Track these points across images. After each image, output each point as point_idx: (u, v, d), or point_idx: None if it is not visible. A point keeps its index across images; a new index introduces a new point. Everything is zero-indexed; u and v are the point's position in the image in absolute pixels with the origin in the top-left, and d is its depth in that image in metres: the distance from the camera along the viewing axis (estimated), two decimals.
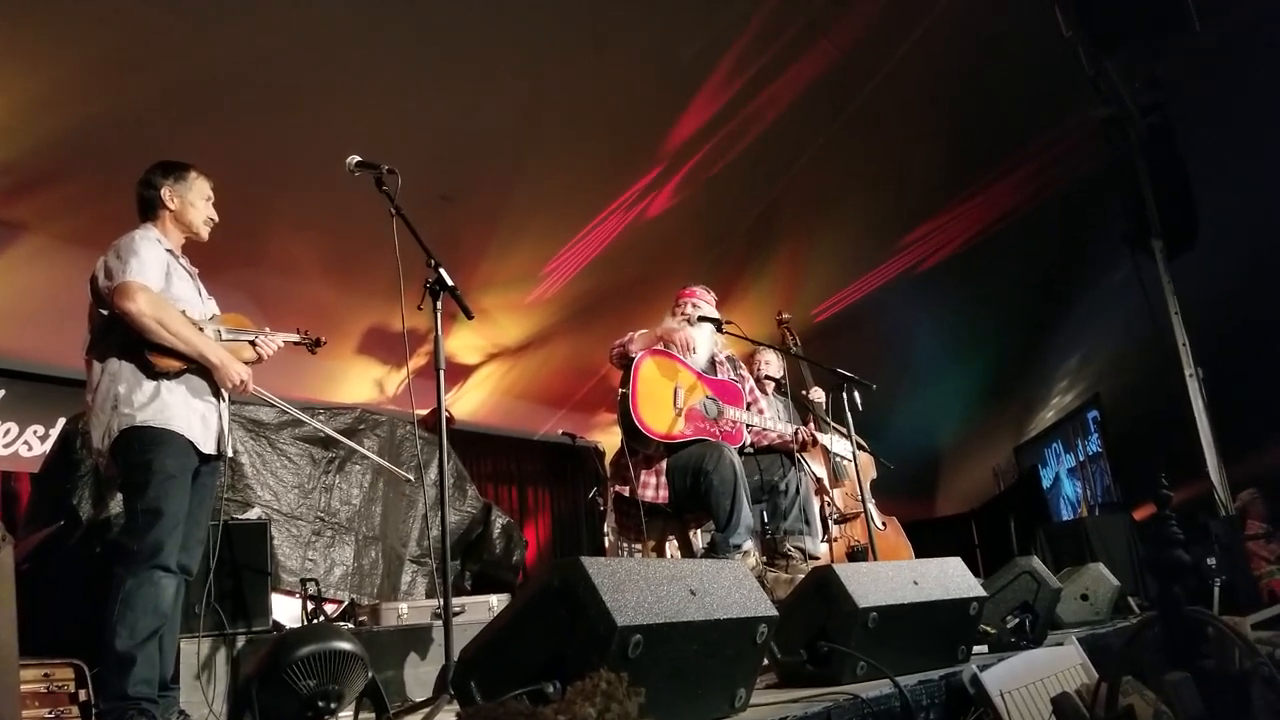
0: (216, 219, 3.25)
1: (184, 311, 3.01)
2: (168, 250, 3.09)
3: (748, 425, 4.33)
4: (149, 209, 3.15)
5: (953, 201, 8.96)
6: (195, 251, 3.29)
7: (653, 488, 4.05)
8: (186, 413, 2.96)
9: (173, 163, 3.20)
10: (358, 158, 3.04)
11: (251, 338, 3.24)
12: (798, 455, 4.57)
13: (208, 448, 3.03)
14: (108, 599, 2.73)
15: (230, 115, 5.46)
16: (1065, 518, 10.95)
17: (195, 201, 3.18)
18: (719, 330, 4.46)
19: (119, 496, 3.61)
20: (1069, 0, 5.78)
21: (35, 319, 6.27)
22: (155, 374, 2.92)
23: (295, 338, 3.45)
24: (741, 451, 4.24)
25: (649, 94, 6.84)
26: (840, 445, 4.76)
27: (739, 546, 3.94)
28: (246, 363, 3.16)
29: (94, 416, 2.92)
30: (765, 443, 4.49)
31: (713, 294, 4.54)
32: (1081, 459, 10.95)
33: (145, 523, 2.78)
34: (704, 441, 4.07)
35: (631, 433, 4.03)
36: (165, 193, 3.13)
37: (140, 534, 2.77)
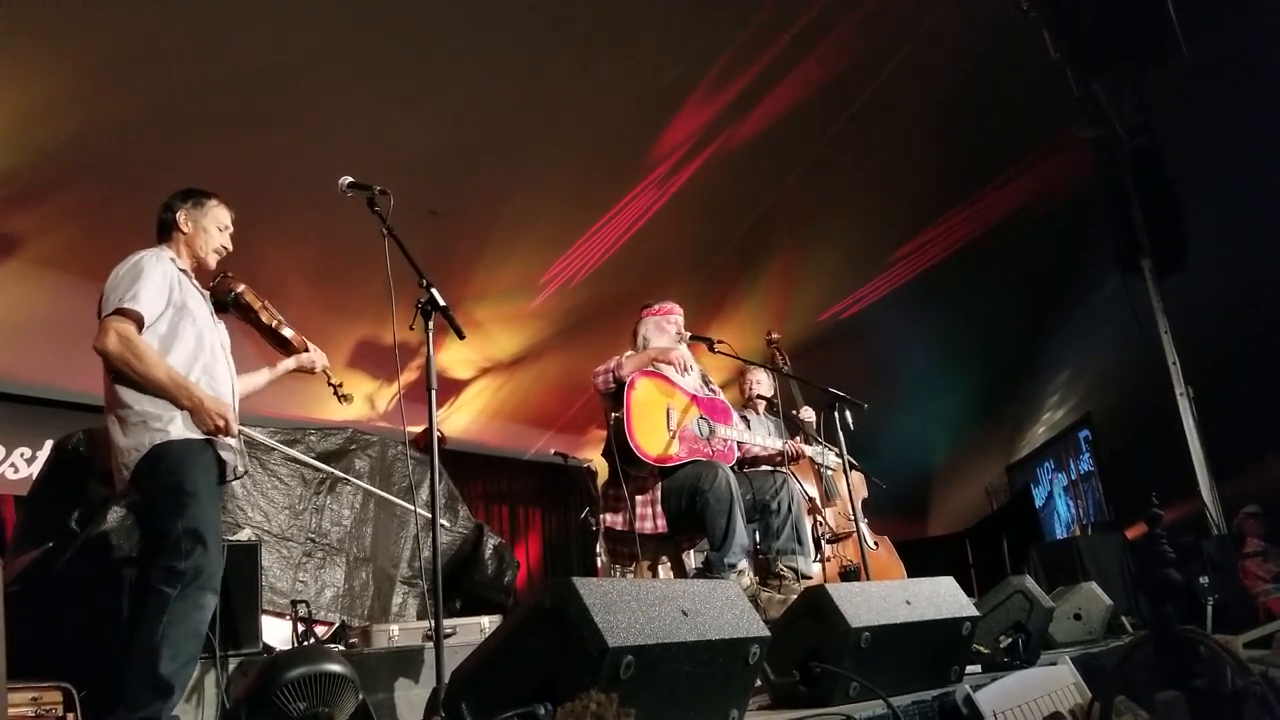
0: (230, 249, 3.25)
1: (201, 333, 3.01)
2: (180, 269, 3.08)
3: (739, 442, 4.33)
4: (164, 231, 3.17)
5: (941, 218, 9.01)
6: None
7: (650, 519, 4.04)
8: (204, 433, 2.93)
9: (195, 189, 3.23)
10: (349, 179, 3.03)
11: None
12: (789, 471, 4.58)
13: (236, 466, 3.05)
14: (144, 618, 2.66)
15: (222, 129, 5.48)
16: (1058, 537, 10.95)
17: (209, 228, 3.19)
18: (711, 349, 4.46)
19: (110, 517, 3.58)
20: (1057, 22, 5.84)
21: (23, 339, 6.25)
22: None
23: (336, 380, 3.53)
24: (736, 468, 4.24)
25: (636, 111, 6.89)
26: (828, 457, 4.76)
27: (734, 565, 3.93)
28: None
29: (121, 433, 2.85)
30: (752, 454, 4.51)
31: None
32: (1074, 478, 10.98)
33: (189, 545, 2.72)
34: (698, 462, 4.06)
35: (626, 456, 4.01)
36: (180, 216, 3.14)
37: (185, 555, 2.71)
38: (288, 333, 3.37)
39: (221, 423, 2.93)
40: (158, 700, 2.61)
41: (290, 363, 3.41)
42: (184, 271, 3.10)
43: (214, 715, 3.35)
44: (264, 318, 3.34)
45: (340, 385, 3.54)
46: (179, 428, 2.85)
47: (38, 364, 6.43)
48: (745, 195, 8.06)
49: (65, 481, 3.88)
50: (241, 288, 3.30)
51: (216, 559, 2.81)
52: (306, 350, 3.41)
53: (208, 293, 3.23)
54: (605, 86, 6.56)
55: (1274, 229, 8.19)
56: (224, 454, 3.00)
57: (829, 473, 5.15)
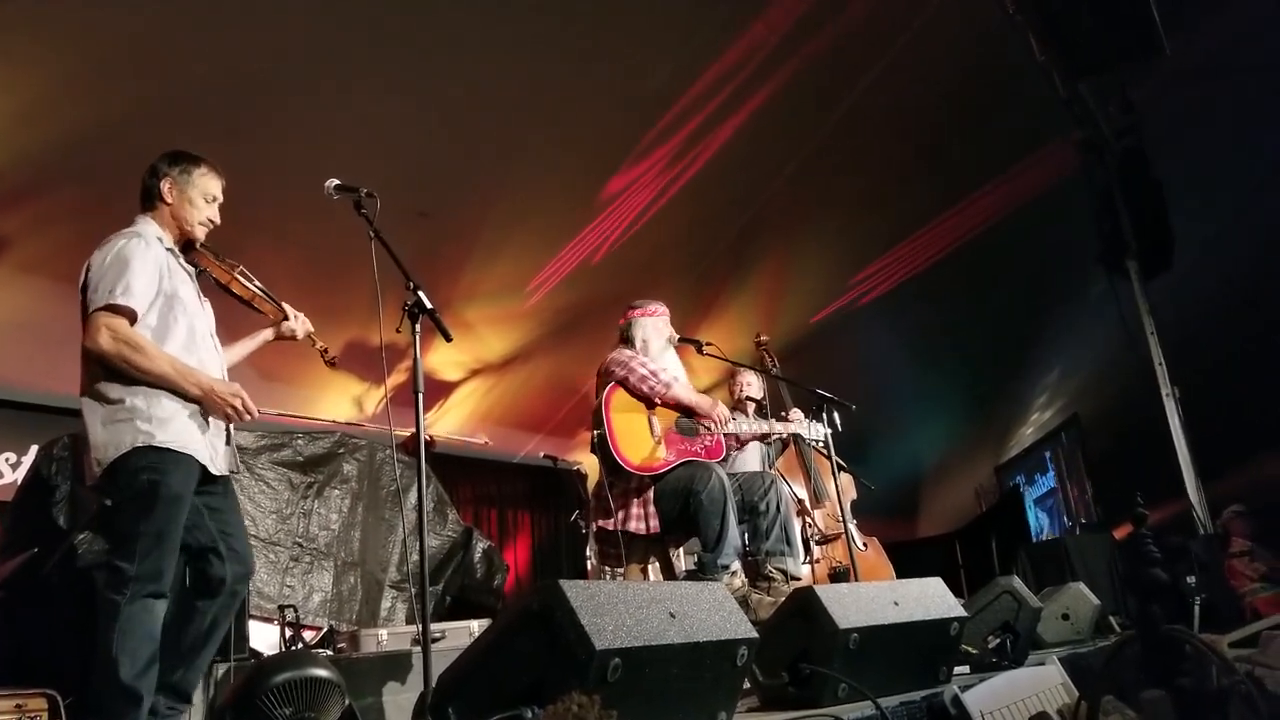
0: (217, 221, 3.06)
1: (192, 323, 2.88)
2: (168, 249, 2.92)
3: (724, 434, 4.31)
4: (148, 199, 2.97)
5: (930, 220, 9.04)
6: None
7: (642, 519, 4.02)
8: (200, 434, 2.81)
9: (184, 152, 3.01)
10: (336, 181, 3.00)
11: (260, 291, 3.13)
12: (777, 472, 4.58)
13: (218, 468, 2.88)
14: (99, 627, 2.57)
15: (209, 131, 5.43)
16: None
17: (194, 198, 2.97)
18: (699, 351, 4.46)
19: (94, 522, 3.56)
20: (1043, 25, 5.87)
21: (8, 343, 6.21)
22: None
23: (320, 345, 3.32)
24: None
25: (627, 112, 6.89)
26: (815, 430, 4.68)
27: (727, 566, 3.92)
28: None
29: (100, 427, 2.71)
30: (743, 442, 4.49)
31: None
32: (1043, 492, 11.13)
33: (146, 547, 2.61)
34: (690, 463, 4.05)
35: (615, 470, 4.01)
36: (165, 184, 2.94)
37: (141, 559, 2.60)
38: (264, 304, 3.18)
39: (237, 403, 2.83)
40: (130, 708, 2.55)
41: (268, 333, 3.24)
42: (170, 250, 2.93)
43: None
44: (236, 289, 3.13)
45: (327, 350, 3.36)
46: (167, 432, 2.70)
47: (23, 368, 6.38)
48: (736, 197, 8.08)
49: (50, 486, 3.85)
50: (206, 265, 3.08)
51: (172, 565, 2.68)
52: (287, 318, 3.21)
53: (193, 269, 3.04)
54: (596, 88, 6.56)
55: (1263, 229, 8.24)
56: (209, 457, 2.84)
57: (816, 444, 5.07)
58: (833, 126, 7.60)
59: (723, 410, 4.20)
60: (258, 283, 3.19)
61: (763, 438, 4.64)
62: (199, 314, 2.97)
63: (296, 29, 5.39)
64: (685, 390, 4.17)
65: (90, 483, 2.78)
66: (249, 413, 2.87)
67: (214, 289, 3.14)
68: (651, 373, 4.13)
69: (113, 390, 2.72)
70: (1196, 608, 4.81)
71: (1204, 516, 5.96)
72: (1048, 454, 11.09)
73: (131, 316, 2.74)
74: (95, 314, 2.70)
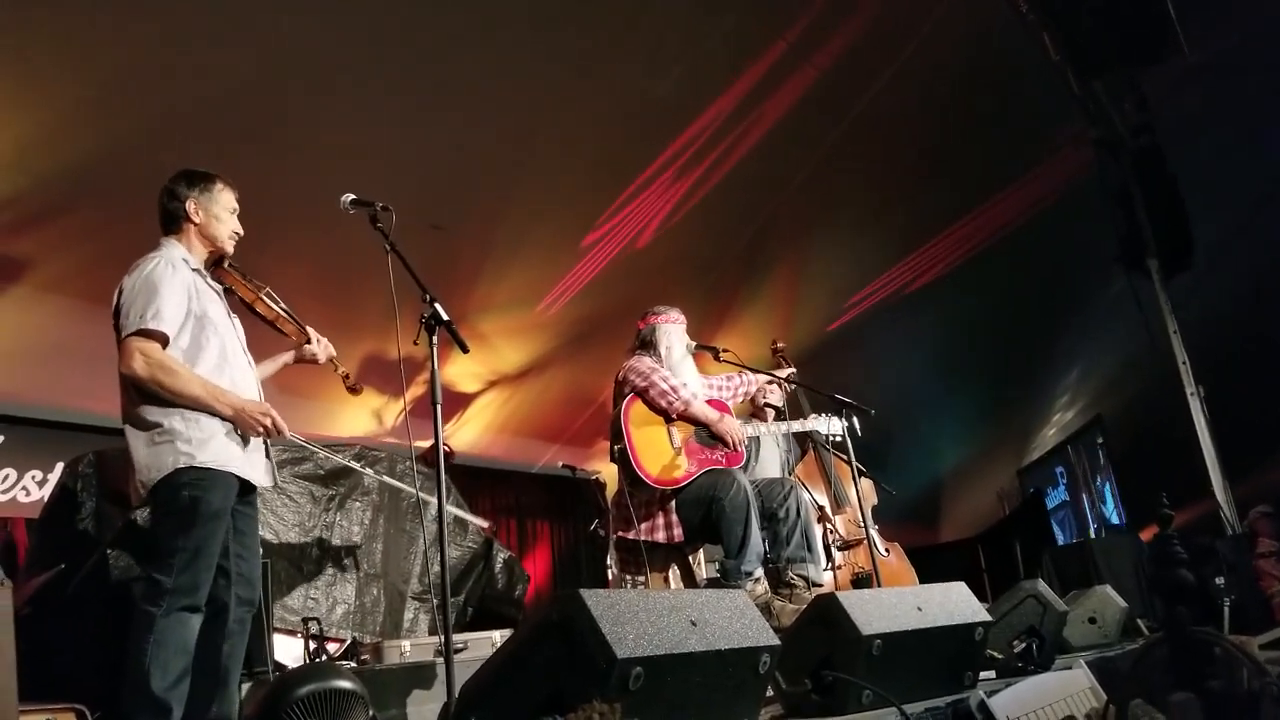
0: (241, 233, 3.11)
1: (224, 343, 2.92)
2: (194, 270, 2.96)
3: (740, 438, 4.29)
4: (172, 222, 3.01)
5: (943, 224, 8.99)
6: None
7: (664, 528, 4.02)
8: (240, 449, 2.87)
9: (197, 171, 3.05)
10: (352, 196, 3.02)
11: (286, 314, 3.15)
12: (797, 478, 4.56)
13: (260, 480, 2.95)
14: (132, 639, 2.62)
15: (222, 147, 5.46)
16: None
17: (219, 214, 3.02)
18: (716, 358, 4.46)
19: (121, 537, 3.58)
20: (1056, 25, 5.84)
21: (33, 362, 6.27)
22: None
23: (342, 370, 3.34)
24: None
25: (637, 122, 6.90)
26: (833, 425, 4.62)
27: (750, 573, 3.92)
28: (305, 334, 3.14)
29: (142, 450, 2.77)
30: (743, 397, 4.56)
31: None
32: (1054, 505, 11.06)
33: (184, 562, 2.67)
34: (711, 470, 4.05)
35: (636, 481, 4.01)
36: (190, 205, 2.99)
37: (179, 572, 2.66)
38: (288, 325, 3.21)
39: (268, 421, 2.87)
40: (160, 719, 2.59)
41: (288, 356, 3.27)
42: (198, 271, 2.97)
43: None
44: (261, 309, 3.16)
45: (349, 375, 3.37)
46: (207, 452, 2.76)
47: (47, 387, 6.44)
48: (748, 203, 8.07)
49: (76, 503, 3.89)
50: (232, 284, 3.11)
51: (208, 580, 2.74)
52: (309, 342, 3.25)
53: (220, 286, 3.08)
54: (606, 98, 6.57)
55: (1265, 229, 8.16)
56: (248, 471, 2.91)
57: (833, 438, 5.02)
58: (843, 133, 7.58)
59: (734, 429, 4.18)
60: (283, 304, 3.21)
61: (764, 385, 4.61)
62: (229, 332, 3.02)
63: (305, 46, 5.42)
64: (702, 408, 4.18)
65: (136, 503, 2.85)
66: (279, 431, 2.92)
67: (239, 308, 3.16)
68: (672, 388, 4.14)
69: (152, 413, 2.78)
70: (1226, 609, 4.75)
71: (1231, 516, 5.88)
72: (1059, 469, 11.03)
73: (163, 340, 2.79)
74: (128, 339, 2.76)
